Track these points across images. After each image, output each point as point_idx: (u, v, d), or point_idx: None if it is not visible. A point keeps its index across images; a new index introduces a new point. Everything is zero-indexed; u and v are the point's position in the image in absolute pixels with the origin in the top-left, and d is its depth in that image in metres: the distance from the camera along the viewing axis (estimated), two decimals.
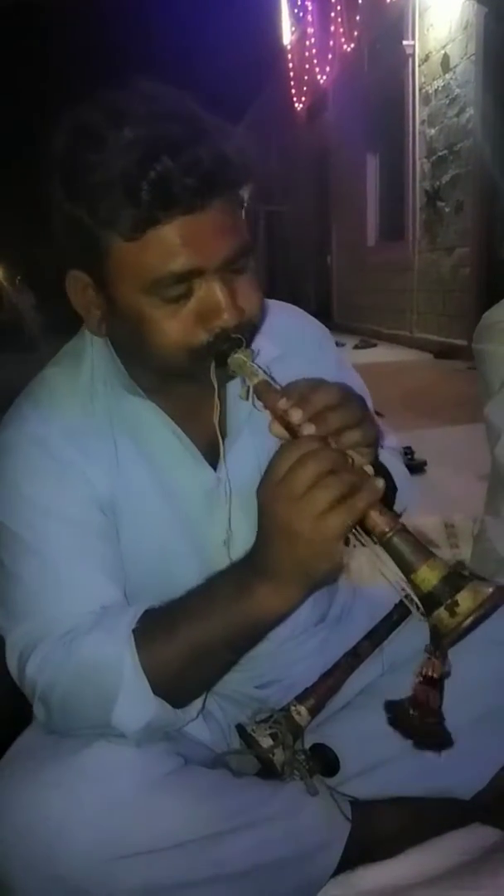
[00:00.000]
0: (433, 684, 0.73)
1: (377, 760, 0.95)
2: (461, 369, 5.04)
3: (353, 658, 0.98)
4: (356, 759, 0.95)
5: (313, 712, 0.93)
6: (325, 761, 0.93)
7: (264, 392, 0.71)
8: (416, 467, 2.65)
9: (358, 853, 0.91)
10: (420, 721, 0.75)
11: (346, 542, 0.68)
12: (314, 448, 0.65)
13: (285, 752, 0.88)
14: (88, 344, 0.86)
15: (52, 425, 0.82)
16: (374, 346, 7.33)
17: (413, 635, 0.73)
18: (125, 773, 0.76)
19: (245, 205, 0.76)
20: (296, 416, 0.67)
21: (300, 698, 0.93)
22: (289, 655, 0.99)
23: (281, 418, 0.69)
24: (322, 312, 8.82)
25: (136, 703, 0.73)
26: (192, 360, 0.75)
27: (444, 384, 4.78)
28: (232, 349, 0.74)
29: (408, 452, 2.68)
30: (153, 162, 0.67)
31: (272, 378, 0.73)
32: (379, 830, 0.94)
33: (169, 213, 0.69)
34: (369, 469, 0.68)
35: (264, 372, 0.73)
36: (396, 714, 0.77)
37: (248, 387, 0.73)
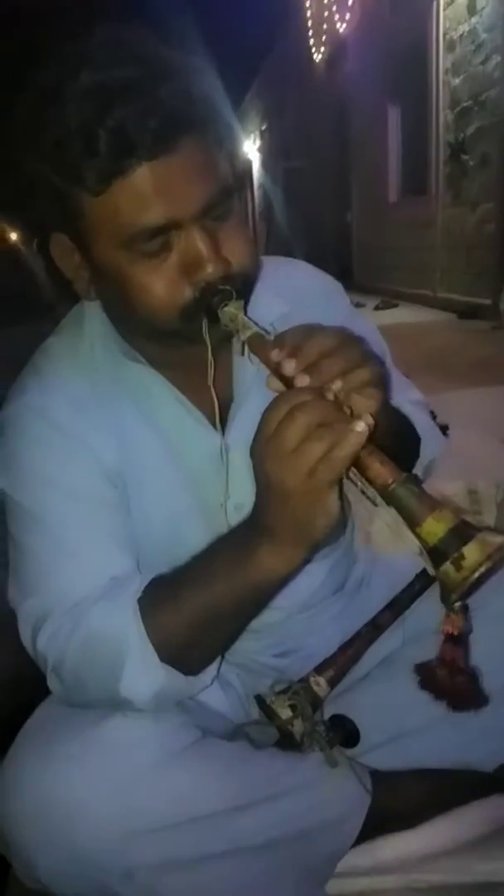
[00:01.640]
0: (457, 641, 0.69)
1: (397, 732, 0.94)
2: (485, 330, 4.92)
3: (373, 629, 0.96)
4: (376, 731, 0.94)
5: (332, 683, 0.92)
6: (344, 732, 0.93)
7: (257, 345, 0.67)
8: None
9: (378, 824, 0.91)
10: (450, 681, 0.72)
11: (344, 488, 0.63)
12: (303, 401, 0.61)
13: (305, 723, 0.88)
14: (86, 312, 0.83)
15: (55, 396, 0.80)
16: (396, 306, 7.20)
17: (435, 605, 0.70)
18: (143, 747, 0.75)
19: (223, 144, 0.70)
20: (288, 367, 0.63)
21: (319, 669, 0.92)
22: (306, 624, 0.97)
23: (276, 371, 0.64)
24: (342, 272, 8.65)
25: (143, 671, 0.72)
26: (182, 319, 0.71)
27: (467, 345, 4.67)
28: (222, 302, 0.69)
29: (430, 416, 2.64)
30: (109, 108, 0.63)
31: (265, 330, 0.68)
32: (399, 802, 0.93)
33: (132, 160, 0.64)
34: (367, 416, 0.61)
35: (256, 324, 0.69)
36: (425, 676, 0.74)
37: (243, 342, 0.69)
